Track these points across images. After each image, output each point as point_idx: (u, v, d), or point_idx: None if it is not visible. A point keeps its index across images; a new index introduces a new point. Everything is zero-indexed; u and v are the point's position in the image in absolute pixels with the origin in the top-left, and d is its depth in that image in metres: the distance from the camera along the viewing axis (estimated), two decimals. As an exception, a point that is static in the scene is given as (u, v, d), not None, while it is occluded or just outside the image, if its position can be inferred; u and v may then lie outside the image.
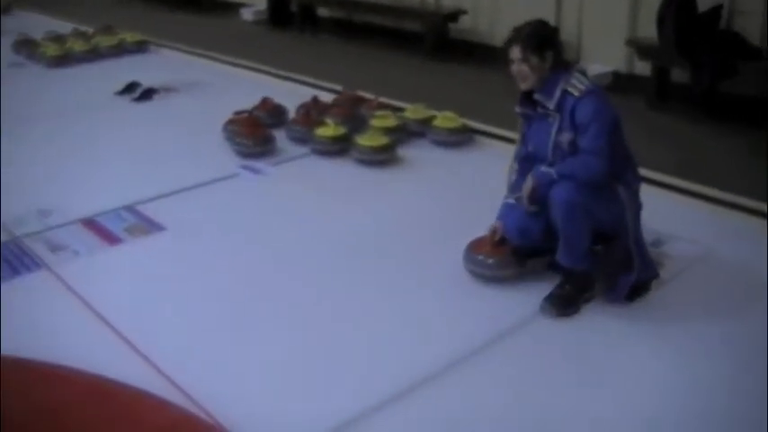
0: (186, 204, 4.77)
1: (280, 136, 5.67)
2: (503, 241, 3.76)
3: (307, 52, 8.82)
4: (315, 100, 6.15)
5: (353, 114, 5.93)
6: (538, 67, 3.53)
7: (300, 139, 5.62)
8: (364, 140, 5.31)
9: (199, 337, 3.46)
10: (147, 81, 7.24)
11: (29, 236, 4.43)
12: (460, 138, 5.61)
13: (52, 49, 8.51)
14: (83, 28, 9.67)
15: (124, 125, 6.36)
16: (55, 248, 4.27)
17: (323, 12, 9.87)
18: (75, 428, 2.93)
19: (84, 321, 3.60)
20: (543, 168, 3.53)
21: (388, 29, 9.05)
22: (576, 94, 3.48)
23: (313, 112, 5.84)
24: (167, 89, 7.15)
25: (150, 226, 4.47)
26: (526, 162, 3.76)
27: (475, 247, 3.84)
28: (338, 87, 6.79)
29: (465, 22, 8.25)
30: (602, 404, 3.01)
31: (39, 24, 10.17)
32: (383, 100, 6.18)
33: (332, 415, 2.95)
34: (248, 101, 6.08)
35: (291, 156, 5.48)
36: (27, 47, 8.86)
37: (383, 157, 5.28)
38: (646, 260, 3.63)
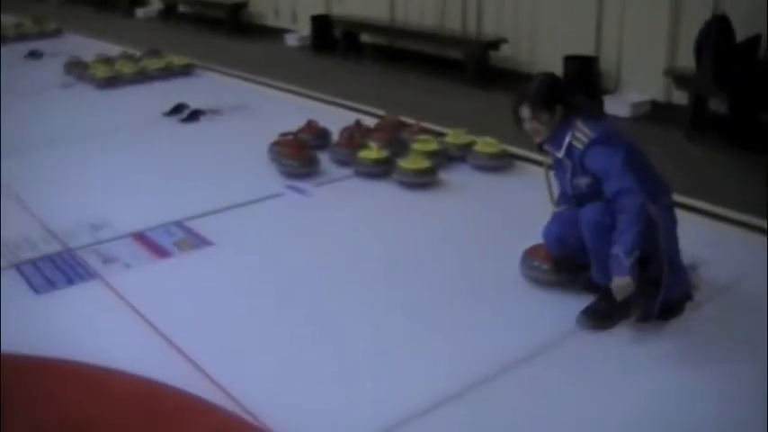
0: (233, 221, 4.95)
1: (323, 158, 5.85)
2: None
3: (349, 77, 9.01)
4: (358, 123, 6.32)
5: (395, 138, 6.08)
6: (548, 121, 3.72)
7: (344, 162, 5.78)
8: (406, 163, 5.46)
9: (245, 346, 3.62)
10: (193, 103, 7.47)
11: (82, 248, 4.63)
12: (500, 163, 5.75)
13: (102, 71, 8.80)
14: (131, 51, 9.96)
15: (172, 144, 6.59)
16: (107, 260, 4.46)
17: (366, 38, 10.07)
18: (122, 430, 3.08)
19: (134, 329, 3.79)
20: (613, 253, 3.48)
21: (429, 56, 9.23)
22: (580, 146, 3.65)
23: (356, 136, 6.01)
24: (213, 111, 7.37)
25: (198, 241, 4.65)
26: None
27: (531, 254, 4.10)
28: (380, 112, 6.97)
29: (505, 50, 8.40)
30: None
31: (88, 47, 10.50)
32: (424, 125, 6.34)
33: (383, 419, 3.08)
34: (292, 123, 6.27)
35: (335, 177, 5.64)
36: (78, 68, 9.17)
37: (424, 180, 5.42)
38: (679, 278, 3.68)
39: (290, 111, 7.22)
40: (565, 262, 3.97)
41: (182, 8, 13.44)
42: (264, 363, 3.46)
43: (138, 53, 9.74)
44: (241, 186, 5.48)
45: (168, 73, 9.03)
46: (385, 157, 5.62)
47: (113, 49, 10.26)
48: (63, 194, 5.50)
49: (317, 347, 3.60)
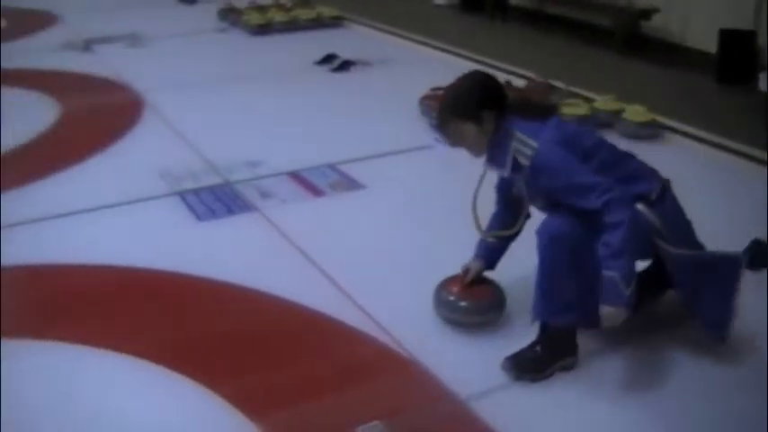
0: (384, 167, 5.17)
1: (471, 114, 5.98)
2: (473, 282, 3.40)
3: (497, 38, 9.09)
4: (508, 84, 6.42)
5: (545, 101, 6.16)
6: (478, 133, 3.04)
7: (491, 119, 5.89)
8: (554, 125, 5.55)
9: (394, 280, 3.82)
10: (342, 54, 7.69)
11: (241, 182, 4.93)
12: (650, 131, 5.76)
13: (255, 18, 9.14)
14: (281, 0, 10.27)
15: (324, 92, 6.86)
16: (264, 195, 4.75)
17: (515, 0, 10.12)
18: (275, 354, 3.33)
19: (289, 259, 4.06)
20: (603, 274, 2.84)
21: (577, 22, 9.22)
22: (527, 163, 2.96)
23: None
24: (363, 63, 7.58)
25: (351, 183, 4.90)
26: (506, 193, 3.33)
27: (446, 287, 3.44)
28: (528, 74, 7.05)
29: (657, 20, 8.33)
30: None
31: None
32: (573, 89, 6.40)
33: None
34: (441, 80, 6.36)
35: (482, 132, 5.77)
36: (232, 15, 9.54)
37: (572, 143, 5.50)
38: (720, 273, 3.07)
39: (438, 67, 7.35)
40: None
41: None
42: (411, 297, 3.64)
43: (289, 3, 10.03)
44: (391, 136, 5.69)
45: (318, 23, 9.30)
46: (534, 117, 5.71)
47: (264, -1, 10.61)
48: (220, 131, 5.84)
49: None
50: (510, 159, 2.99)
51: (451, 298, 3.37)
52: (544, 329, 3.11)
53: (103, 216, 4.66)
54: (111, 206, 4.76)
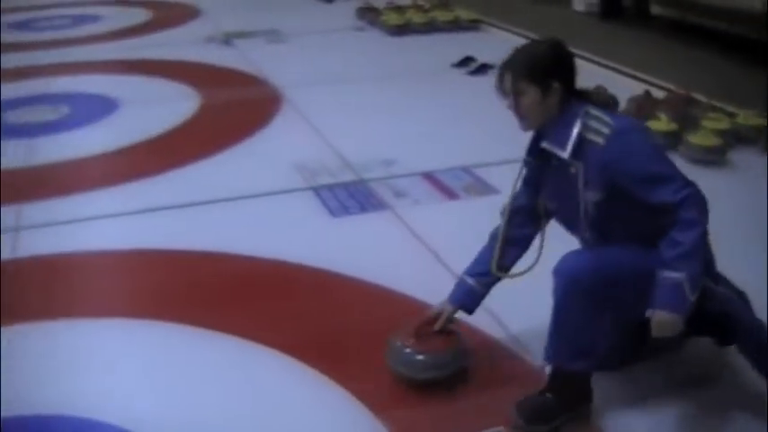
0: (516, 172, 5.11)
1: (610, 124, 5.88)
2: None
3: (637, 47, 8.92)
4: (647, 94, 6.31)
5: (684, 113, 6.02)
6: (539, 102, 2.72)
7: (630, 130, 5.79)
8: (696, 139, 5.42)
9: (527, 288, 3.76)
10: (480, 57, 7.68)
11: (374, 180, 4.99)
12: (796, 149, 5.58)
13: (393, 18, 9.22)
14: (420, 1, 10.33)
15: (460, 94, 6.87)
16: (398, 194, 4.81)
17: (656, 9, 9.91)
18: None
19: (421, 259, 4.10)
20: (664, 276, 2.52)
21: (722, 34, 8.97)
22: (601, 141, 2.62)
23: (645, 106, 6.01)
24: (500, 67, 7.55)
25: (485, 187, 4.89)
26: (523, 216, 3.05)
27: (401, 336, 3.07)
28: (668, 85, 6.90)
29: (810, 34, 8.03)
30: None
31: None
32: (714, 103, 6.23)
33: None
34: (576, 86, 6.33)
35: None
36: (369, 14, 9.66)
37: (713, 158, 5.36)
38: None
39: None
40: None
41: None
42: (542, 305, 3.59)
43: (428, 4, 10.08)
44: (527, 141, 5.62)
45: (455, 26, 9.32)
46: (674, 129, 5.59)
47: (402, 0, 10.68)
48: (356, 128, 5.92)
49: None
50: (575, 137, 2.66)
51: (407, 350, 3.01)
52: (556, 374, 2.82)
53: (239, 206, 4.80)
54: (247, 197, 4.89)
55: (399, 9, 9.73)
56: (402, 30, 9.06)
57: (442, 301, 3.10)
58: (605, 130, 2.61)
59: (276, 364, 3.29)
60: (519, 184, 3.01)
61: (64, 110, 6.90)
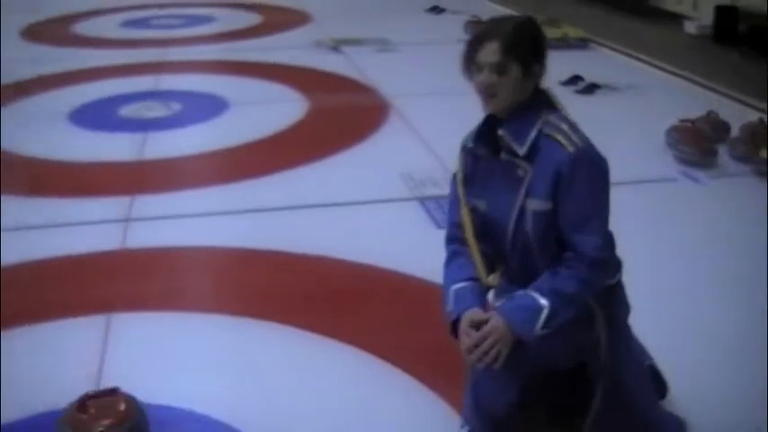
0: (627, 196, 4.89)
1: (721, 151, 5.77)
2: None
3: (752, 74, 8.70)
4: (761, 121, 6.16)
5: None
6: (519, 82, 2.39)
7: (743, 159, 5.67)
8: (812, 170, 5.28)
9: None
10: (587, 76, 7.61)
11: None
12: None
13: (501, 32, 9.16)
14: (529, 17, 10.27)
15: (568, 113, 6.76)
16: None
17: (772, 36, 9.67)
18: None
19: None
20: (530, 294, 2.35)
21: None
22: (570, 147, 2.34)
23: (759, 134, 5.87)
24: (608, 87, 7.47)
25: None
26: (457, 244, 2.59)
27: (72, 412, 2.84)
28: (784, 115, 6.73)
29: None
30: None
31: (483, 8, 11.05)
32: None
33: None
34: (688, 111, 6.23)
35: (732, 173, 5.56)
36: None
37: (828, 189, 5.21)
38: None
39: (686, 98, 7.17)
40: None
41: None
42: (655, 335, 3.54)
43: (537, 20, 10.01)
44: (635, 164, 5.57)
45: (564, 43, 9.22)
46: (788, 160, 5.46)
47: (508, 13, 10.62)
48: (424, 143, 5.91)
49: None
50: (533, 135, 2.37)
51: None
52: None
53: (344, 212, 4.85)
54: (352, 203, 4.95)
55: (508, 23, 9.68)
56: (510, 44, 9.01)
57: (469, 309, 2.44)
58: (576, 139, 2.36)
59: (376, 370, 3.32)
60: (458, 195, 2.58)
61: (176, 107, 7.07)
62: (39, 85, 7.90)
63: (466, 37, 9.24)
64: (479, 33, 2.45)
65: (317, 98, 7.16)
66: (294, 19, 11.11)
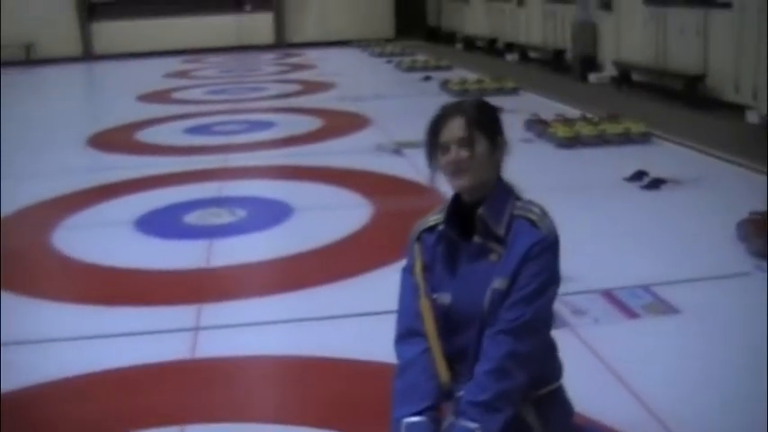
0: (700, 292, 4.97)
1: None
2: None
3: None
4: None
5: None
6: (488, 156, 2.44)
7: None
8: None
9: (708, 409, 3.66)
10: (651, 171, 7.55)
11: (552, 296, 4.89)
12: None
13: (562, 131, 9.22)
14: (588, 114, 10.30)
15: (634, 209, 6.76)
16: (576, 312, 4.71)
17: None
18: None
19: (602, 381, 3.98)
20: (461, 425, 2.33)
21: None
22: (541, 227, 2.41)
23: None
24: (674, 181, 7.39)
25: (666, 307, 4.74)
26: (415, 338, 2.51)
27: None
28: None
29: None
30: None
31: (544, 106, 11.08)
32: None
33: None
34: (756, 203, 6.13)
35: (807, 265, 5.44)
36: (538, 126, 9.69)
37: None
38: None
39: (753, 190, 7.05)
40: None
41: (636, 76, 13.60)
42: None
43: (596, 117, 10.02)
44: (707, 259, 5.50)
45: (625, 138, 9.21)
46: None
47: (569, 111, 10.68)
48: None
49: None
50: (508, 214, 2.42)
51: None
52: None
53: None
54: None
55: (568, 121, 9.72)
56: (571, 142, 9.04)
57: None
58: (546, 220, 2.44)
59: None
60: (416, 287, 2.51)
61: (240, 213, 7.15)
62: (104, 193, 8.06)
63: (526, 135, 9.47)
64: (439, 116, 2.47)
65: (381, 202, 7.19)
66: (354, 123, 11.26)
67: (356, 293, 5.25)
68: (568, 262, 5.28)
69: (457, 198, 2.51)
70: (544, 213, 2.46)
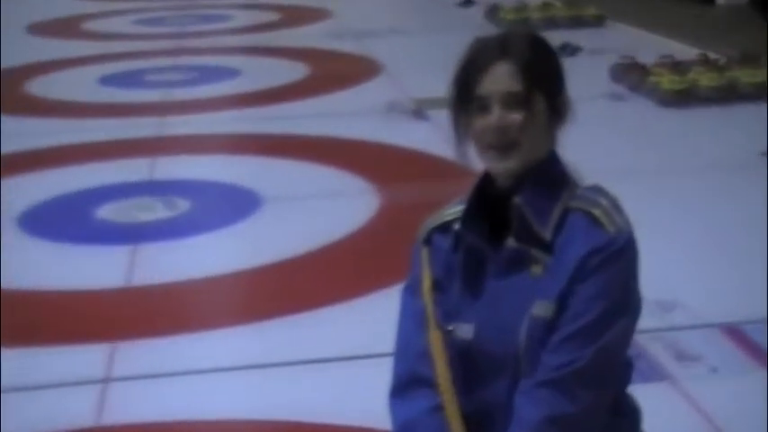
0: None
1: None
2: None
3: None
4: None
5: None
6: (541, 122, 2.32)
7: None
8: None
9: None
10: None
11: (644, 333, 4.80)
12: None
13: (669, 81, 9.18)
14: (712, 54, 10.22)
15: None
16: (682, 357, 4.68)
17: None
18: None
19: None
20: None
21: None
22: (611, 231, 2.27)
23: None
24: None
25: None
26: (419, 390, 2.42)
27: None
28: None
29: None
30: None
31: (644, 44, 11.10)
32: None
33: None
34: None
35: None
36: (632, 74, 9.63)
37: None
38: None
39: None
40: None
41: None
42: None
43: (723, 58, 9.95)
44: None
45: (764, 92, 9.12)
46: None
47: (683, 50, 10.61)
48: None
49: None
50: (560, 207, 2.31)
51: None
52: None
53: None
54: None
55: (677, 66, 9.63)
56: (684, 98, 9.00)
57: None
58: (615, 216, 2.29)
59: None
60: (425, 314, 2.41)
61: (182, 205, 7.10)
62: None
63: (614, 88, 9.43)
64: (474, 55, 2.34)
65: (393, 190, 7.17)
66: (357, 70, 11.24)
67: (343, 327, 5.23)
68: (672, 281, 5.32)
69: (484, 182, 2.37)
70: (614, 206, 2.32)
